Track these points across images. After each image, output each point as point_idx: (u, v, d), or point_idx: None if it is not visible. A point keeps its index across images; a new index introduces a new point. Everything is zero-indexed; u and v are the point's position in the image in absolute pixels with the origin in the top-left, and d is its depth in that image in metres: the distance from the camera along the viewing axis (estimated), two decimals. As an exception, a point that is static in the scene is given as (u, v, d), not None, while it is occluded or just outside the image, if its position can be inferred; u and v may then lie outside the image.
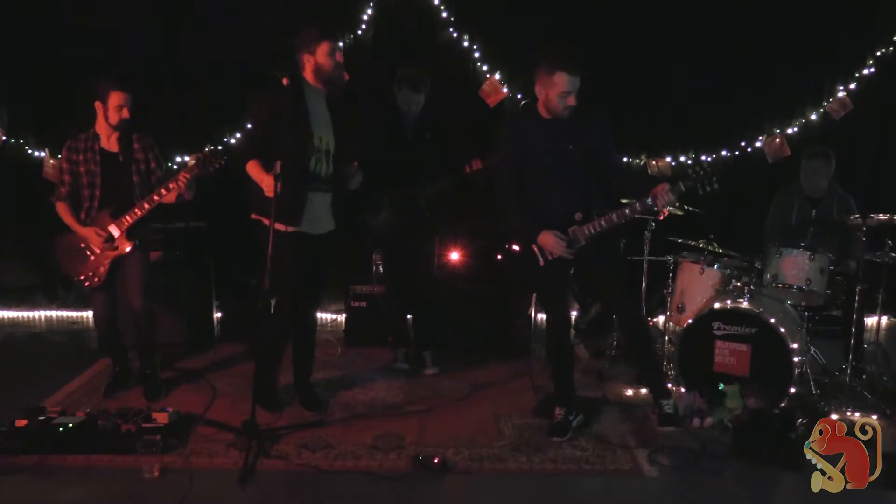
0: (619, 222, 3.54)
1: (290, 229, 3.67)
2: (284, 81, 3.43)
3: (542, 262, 3.62)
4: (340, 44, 3.55)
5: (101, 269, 3.99)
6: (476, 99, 5.67)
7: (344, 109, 3.83)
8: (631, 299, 3.87)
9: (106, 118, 3.93)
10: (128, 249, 3.99)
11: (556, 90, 3.44)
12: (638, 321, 3.86)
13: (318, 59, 3.63)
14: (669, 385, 4.39)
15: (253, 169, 3.61)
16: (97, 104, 3.93)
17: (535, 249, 3.61)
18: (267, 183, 3.48)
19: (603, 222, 3.53)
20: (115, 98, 3.89)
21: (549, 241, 3.56)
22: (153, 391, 4.16)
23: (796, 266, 4.22)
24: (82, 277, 4.01)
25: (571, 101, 3.47)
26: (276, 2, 5.49)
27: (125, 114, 3.93)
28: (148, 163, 4.05)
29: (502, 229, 5.01)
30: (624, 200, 3.67)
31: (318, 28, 3.63)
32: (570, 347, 3.90)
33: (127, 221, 3.93)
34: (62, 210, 4.00)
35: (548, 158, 3.58)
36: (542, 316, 5.81)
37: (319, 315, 5.91)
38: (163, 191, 3.87)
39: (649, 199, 3.46)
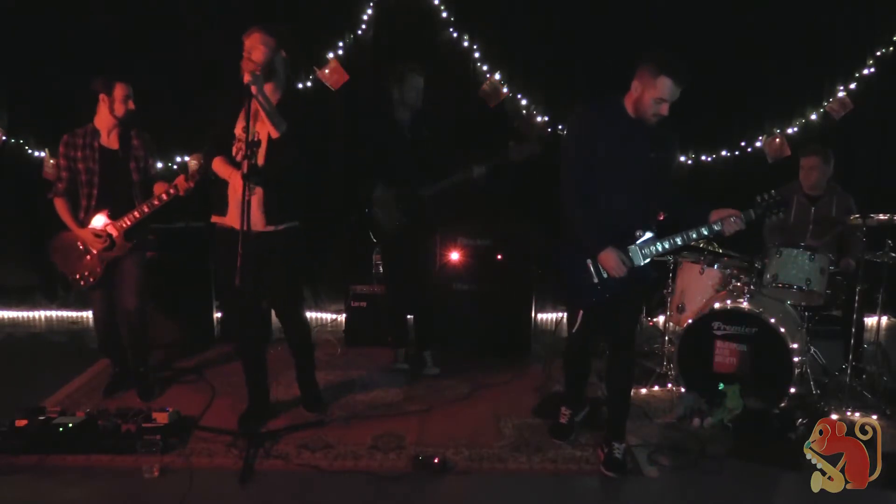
0: (682, 245, 3.39)
1: (219, 221, 3.62)
2: (247, 80, 3.37)
3: (595, 280, 3.34)
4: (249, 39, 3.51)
5: (98, 269, 3.99)
6: (476, 99, 5.67)
7: (298, 104, 3.68)
8: (632, 342, 3.57)
9: (111, 111, 3.91)
10: (124, 251, 3.98)
11: (654, 94, 3.19)
12: (628, 368, 3.57)
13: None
14: (670, 386, 4.41)
15: (218, 165, 3.62)
16: (101, 97, 3.90)
17: (590, 264, 3.34)
18: (234, 179, 3.51)
19: (666, 244, 3.33)
20: (120, 90, 3.88)
21: (612, 261, 3.25)
22: (146, 390, 4.16)
23: (796, 266, 4.22)
24: (77, 276, 4.01)
25: (665, 109, 3.22)
26: (277, 2, 5.49)
27: (131, 105, 3.93)
28: (147, 160, 4.05)
29: (512, 230, 5.06)
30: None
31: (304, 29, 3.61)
32: (589, 355, 3.82)
33: (125, 223, 3.93)
34: (60, 207, 3.99)
35: (623, 162, 3.29)
36: (542, 316, 5.83)
37: (320, 315, 5.95)
38: (164, 196, 3.86)
39: (716, 226, 3.32)
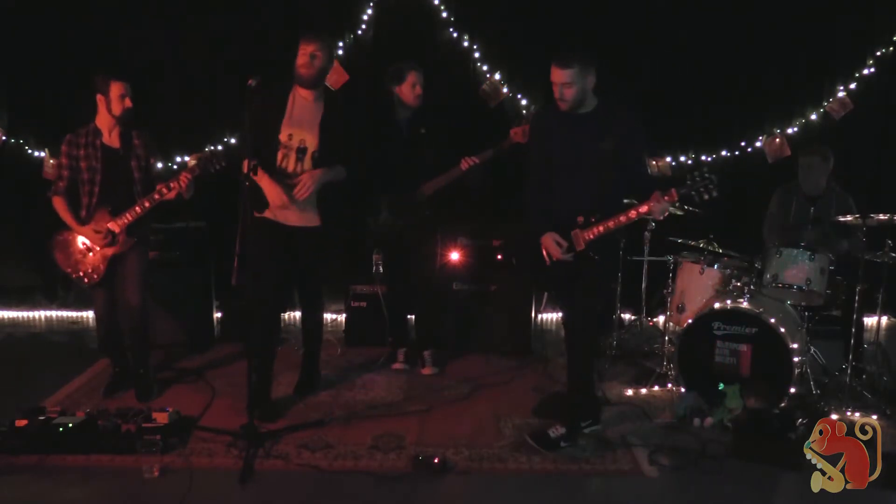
0: (618, 227, 3.52)
1: (261, 216, 3.84)
2: (249, 82, 3.50)
3: (547, 262, 3.64)
4: (315, 44, 3.78)
5: (100, 267, 3.99)
6: (476, 99, 5.67)
7: (342, 111, 3.95)
8: (585, 327, 3.69)
9: (109, 110, 3.91)
10: (127, 247, 3.98)
11: (552, 79, 3.49)
12: (583, 354, 3.69)
13: (297, 59, 3.80)
14: (670, 386, 4.41)
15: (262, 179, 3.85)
16: (99, 97, 3.92)
17: (543, 248, 3.64)
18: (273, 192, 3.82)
19: (601, 228, 3.51)
20: (116, 88, 3.88)
21: (548, 244, 3.60)
22: (145, 391, 4.14)
23: (796, 266, 4.22)
24: (81, 274, 4.01)
25: (555, 91, 3.48)
26: (278, 2, 5.49)
27: (128, 103, 3.92)
28: (148, 159, 4.05)
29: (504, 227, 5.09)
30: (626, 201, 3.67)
31: (303, 30, 3.82)
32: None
33: (127, 219, 3.93)
34: (59, 205, 3.99)
35: (564, 154, 3.56)
36: (542, 316, 5.83)
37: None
38: (164, 189, 3.87)
39: (644, 207, 3.46)
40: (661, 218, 3.53)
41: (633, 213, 3.48)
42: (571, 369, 3.76)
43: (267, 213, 3.87)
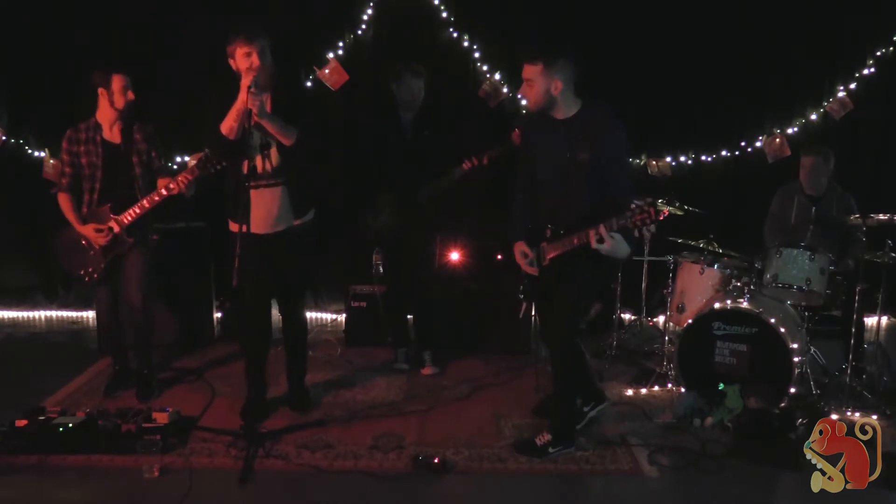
0: (579, 245, 3.22)
1: (244, 228, 3.55)
2: (251, 87, 3.36)
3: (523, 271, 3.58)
4: (252, 45, 3.44)
5: (101, 264, 3.99)
6: (476, 99, 5.67)
7: (288, 93, 3.68)
8: (557, 339, 3.56)
9: (111, 104, 3.88)
10: (125, 247, 3.98)
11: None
12: (556, 366, 3.56)
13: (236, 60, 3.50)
14: (670, 386, 4.41)
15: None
16: (100, 91, 3.88)
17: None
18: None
19: (560, 245, 3.33)
20: (117, 81, 3.85)
21: (516, 255, 3.54)
22: (146, 391, 4.15)
23: (796, 266, 4.22)
24: (81, 272, 4.00)
25: (521, 89, 3.33)
26: (277, 1, 5.49)
27: (130, 95, 3.90)
28: (150, 153, 4.03)
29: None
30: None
31: (232, 31, 3.49)
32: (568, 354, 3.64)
33: (128, 218, 3.92)
34: (63, 202, 3.99)
35: (540, 160, 3.43)
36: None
37: (320, 315, 5.94)
38: (163, 191, 3.86)
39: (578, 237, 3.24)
40: (663, 210, 3.26)
41: (574, 240, 3.24)
42: (553, 380, 3.66)
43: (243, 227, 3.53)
